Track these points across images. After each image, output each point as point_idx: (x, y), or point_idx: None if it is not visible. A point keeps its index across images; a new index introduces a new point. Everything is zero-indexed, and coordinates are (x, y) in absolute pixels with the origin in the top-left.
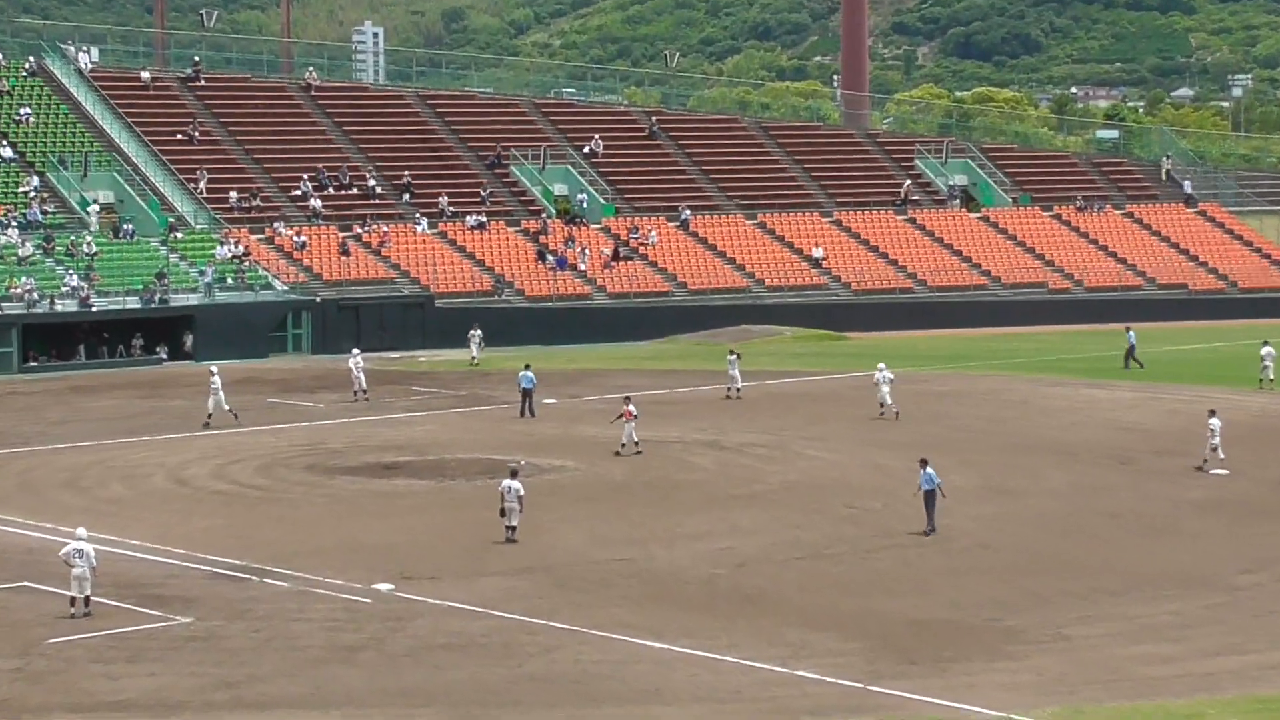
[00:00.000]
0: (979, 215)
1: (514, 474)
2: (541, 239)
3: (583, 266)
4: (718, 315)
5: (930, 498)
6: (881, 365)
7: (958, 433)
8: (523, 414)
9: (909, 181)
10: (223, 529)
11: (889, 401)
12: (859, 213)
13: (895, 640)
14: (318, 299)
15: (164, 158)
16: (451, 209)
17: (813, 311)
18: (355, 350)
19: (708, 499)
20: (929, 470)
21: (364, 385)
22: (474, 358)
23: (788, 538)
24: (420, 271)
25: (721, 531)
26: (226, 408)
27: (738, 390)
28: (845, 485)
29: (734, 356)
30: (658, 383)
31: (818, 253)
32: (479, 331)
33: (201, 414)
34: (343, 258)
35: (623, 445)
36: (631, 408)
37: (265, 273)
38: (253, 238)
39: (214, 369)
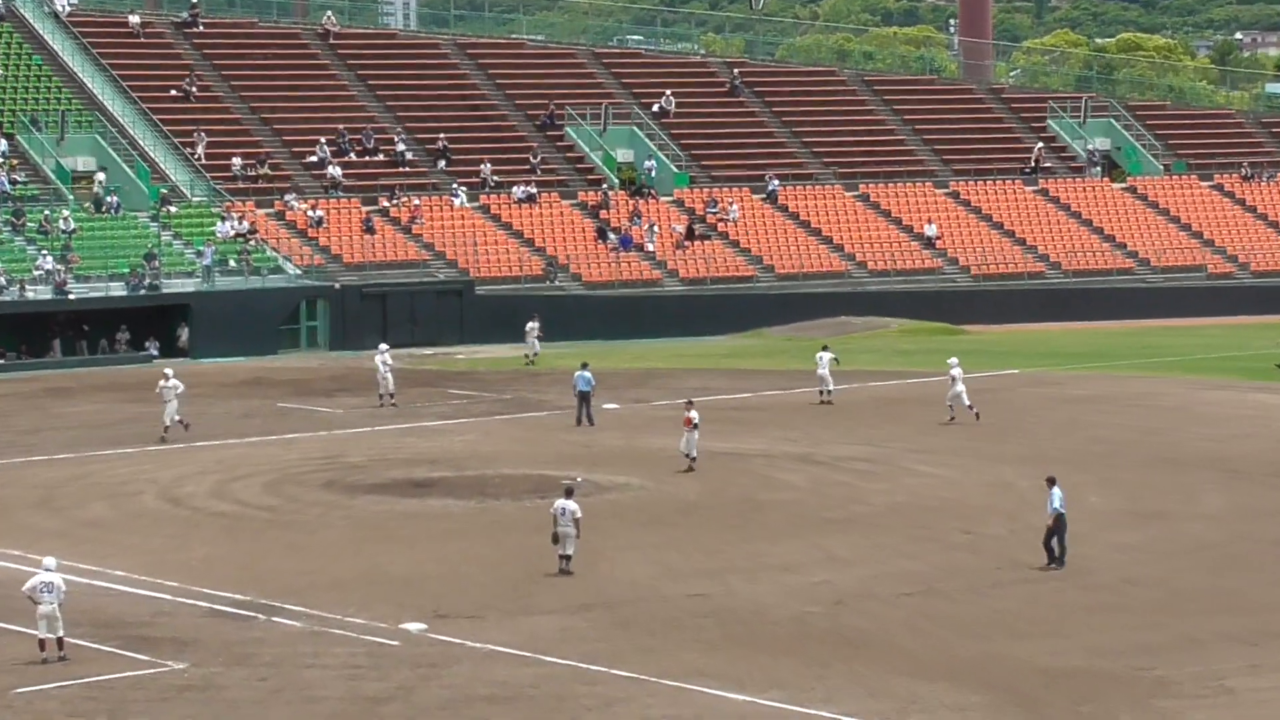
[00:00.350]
0: (1124, 186)
1: (569, 493)
2: (602, 214)
3: (650, 247)
4: (811, 305)
5: (1060, 523)
6: (954, 360)
7: (1097, 445)
8: (579, 421)
9: (1040, 145)
10: (224, 557)
11: (965, 402)
12: (980, 183)
13: (1023, 692)
14: (336, 285)
15: (155, 117)
16: (495, 179)
17: (924, 300)
18: (383, 346)
19: (798, 523)
20: (1057, 490)
21: (392, 388)
22: (530, 355)
23: (894, 569)
24: (458, 253)
25: (815, 562)
26: (176, 417)
27: (828, 394)
28: (962, 507)
29: (827, 354)
30: (739, 385)
31: (931, 230)
32: (537, 324)
33: (184, 423)
34: (366, 236)
35: (691, 459)
36: (693, 414)
37: (274, 254)
38: (260, 213)
39: (169, 371)
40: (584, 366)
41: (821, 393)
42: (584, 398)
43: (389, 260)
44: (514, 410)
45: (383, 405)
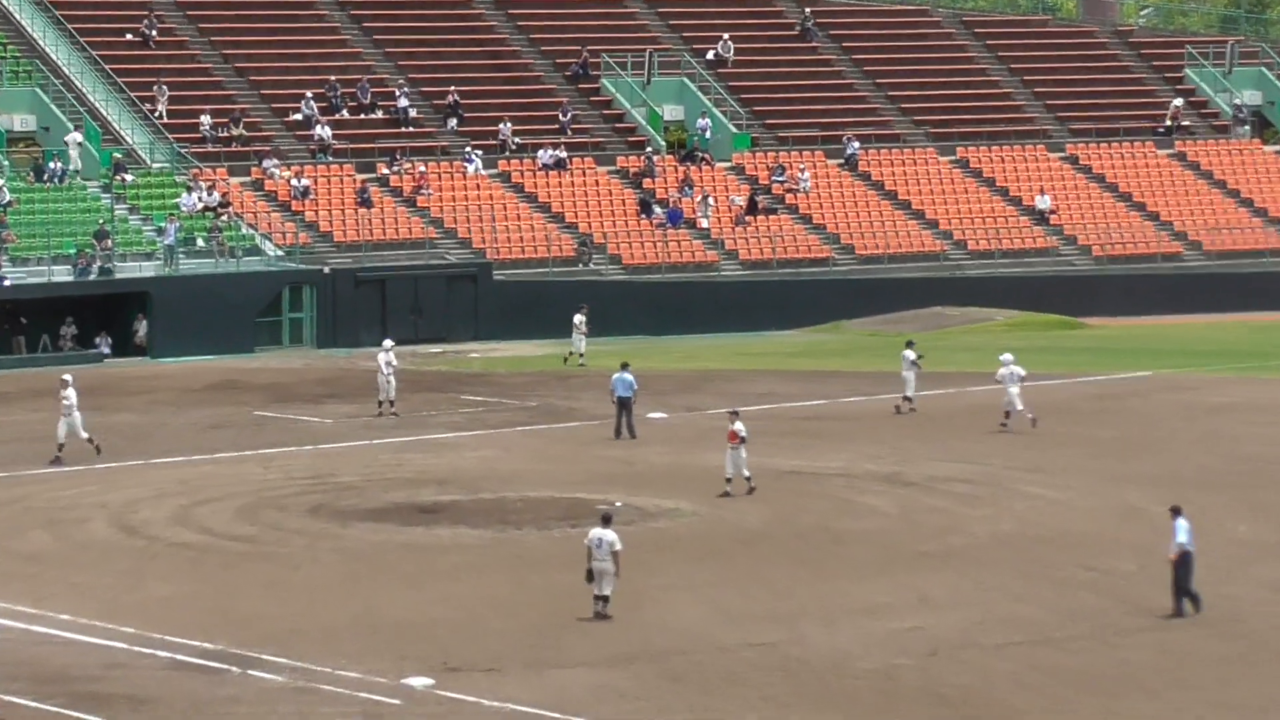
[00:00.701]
0: (1277, 148)
1: (606, 521)
2: (646, 183)
3: (705, 223)
4: (899, 293)
5: (1185, 562)
6: (1008, 356)
7: (1243, 464)
8: (618, 433)
9: (1177, 101)
10: (189, 598)
11: (1019, 406)
12: (1104, 145)
13: None
14: (325, 270)
15: (107, 67)
16: (517, 141)
17: (1036, 287)
18: (387, 343)
19: (885, 557)
20: (1183, 522)
21: (393, 394)
22: (577, 354)
23: (1000, 613)
24: (472, 230)
25: (905, 604)
26: (84, 435)
27: (909, 400)
28: (1082, 538)
29: (911, 352)
30: (811, 390)
31: (1044, 202)
32: (584, 316)
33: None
34: (362, 211)
35: (749, 481)
36: (739, 426)
37: (251, 232)
38: (234, 181)
39: (67, 378)
40: (624, 367)
41: (903, 399)
42: (624, 405)
43: (389, 239)
44: (539, 420)
45: (382, 414)
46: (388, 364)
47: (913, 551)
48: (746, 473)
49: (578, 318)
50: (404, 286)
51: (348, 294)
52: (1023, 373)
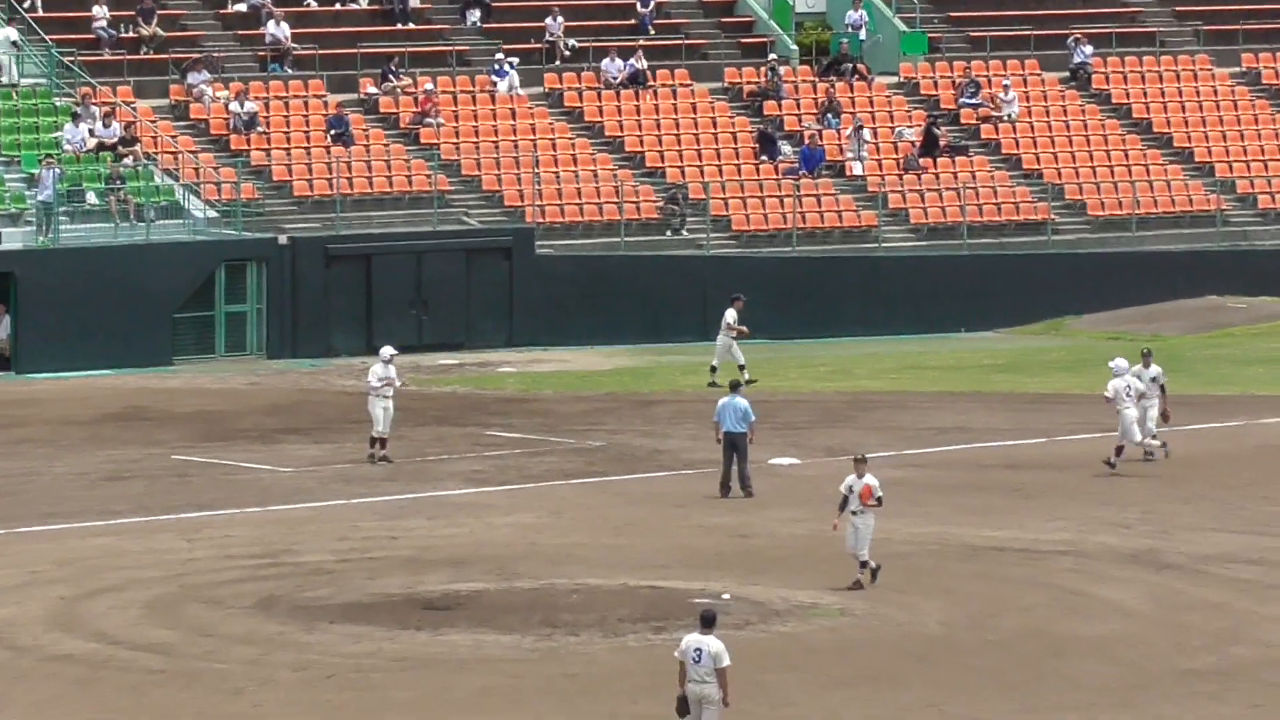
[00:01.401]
0: None
1: (708, 623)
2: (768, 108)
3: (858, 168)
4: (1152, 272)
5: None
6: (1119, 362)
7: None
8: (726, 488)
9: None
10: None
11: (1137, 438)
12: None
13: None
14: (282, 240)
15: None
16: (572, 44)
17: None
18: (386, 351)
19: (1132, 679)
20: None
21: (386, 427)
22: (740, 363)
23: None
24: (504, 180)
25: None
26: None
27: (1155, 440)
28: None
29: (1152, 372)
30: (1022, 423)
31: None
32: (737, 311)
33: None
34: (337, 150)
35: (869, 567)
36: (871, 480)
37: (169, 182)
38: (143, 106)
39: None
40: (734, 389)
41: (1154, 442)
42: (734, 445)
43: (377, 194)
44: (606, 468)
45: (374, 457)
46: (384, 382)
47: (1176, 670)
48: (864, 554)
49: (729, 314)
50: (400, 266)
51: (315, 277)
52: (1143, 386)
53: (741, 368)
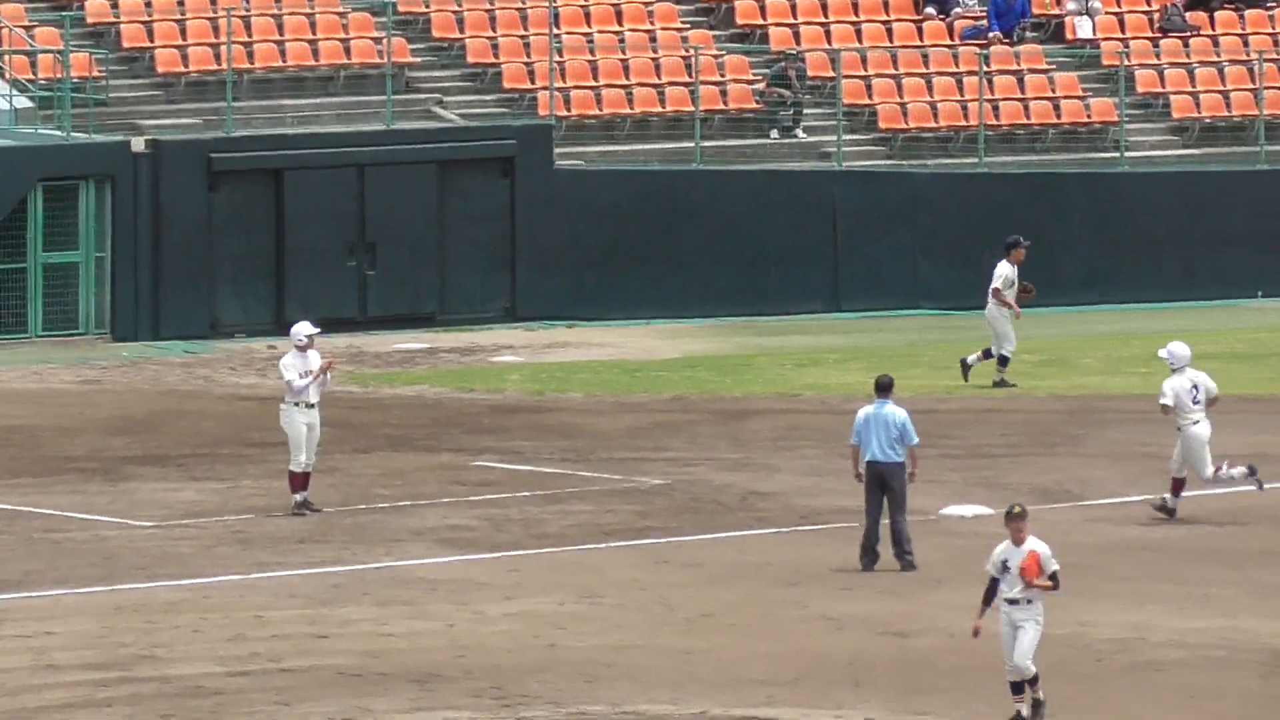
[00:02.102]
0: None
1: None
2: None
3: (1083, 28)
4: None
5: None
6: (1171, 351)
7: None
8: (868, 554)
9: None
10: None
11: (1208, 473)
12: None
13: None
14: (138, 144)
15: None
16: None
17: None
18: (301, 329)
19: None
20: None
21: (309, 455)
22: (1001, 354)
23: None
24: (503, 49)
25: None
26: None
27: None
28: None
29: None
30: None
31: None
32: (1015, 266)
33: None
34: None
35: (1030, 684)
36: (1036, 548)
37: None
38: None
39: None
40: (881, 391)
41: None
42: (884, 484)
43: (294, 68)
44: (670, 522)
45: (301, 508)
46: (308, 376)
47: None
48: (1017, 659)
49: (1006, 268)
50: (331, 187)
51: (192, 206)
52: (1214, 387)
53: (987, 354)
